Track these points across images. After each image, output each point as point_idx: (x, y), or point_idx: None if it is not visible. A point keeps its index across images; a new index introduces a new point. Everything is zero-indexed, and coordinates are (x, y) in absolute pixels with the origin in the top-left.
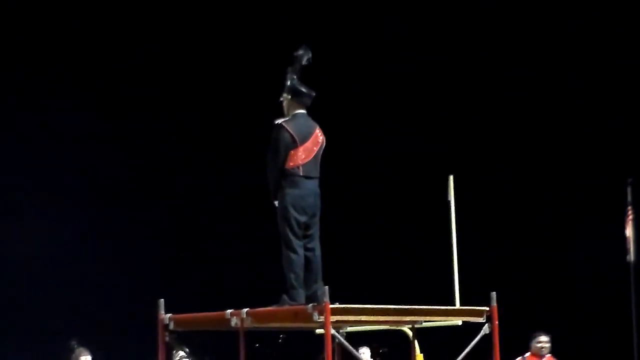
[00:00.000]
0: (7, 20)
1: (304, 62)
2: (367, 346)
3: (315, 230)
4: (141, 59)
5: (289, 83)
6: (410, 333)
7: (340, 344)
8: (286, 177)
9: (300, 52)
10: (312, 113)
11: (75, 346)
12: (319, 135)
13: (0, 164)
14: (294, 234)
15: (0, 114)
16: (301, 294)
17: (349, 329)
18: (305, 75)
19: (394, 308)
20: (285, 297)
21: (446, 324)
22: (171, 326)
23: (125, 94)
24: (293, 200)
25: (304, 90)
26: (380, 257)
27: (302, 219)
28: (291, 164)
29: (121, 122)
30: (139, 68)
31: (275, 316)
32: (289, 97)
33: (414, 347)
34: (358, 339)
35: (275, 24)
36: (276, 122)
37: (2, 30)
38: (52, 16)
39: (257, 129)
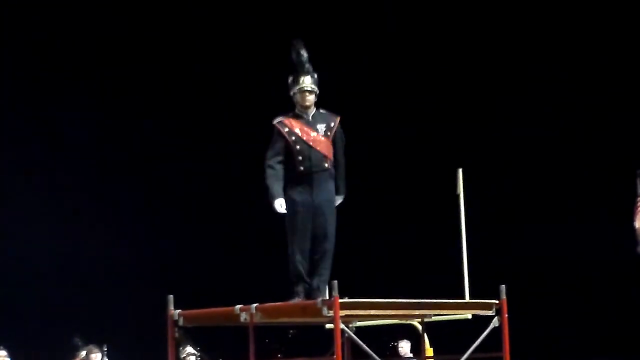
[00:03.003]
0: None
1: (295, 57)
2: (407, 340)
3: (324, 224)
4: (143, 57)
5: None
6: (419, 327)
7: (350, 339)
8: (294, 173)
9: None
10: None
11: (80, 343)
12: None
13: (0, 162)
14: (303, 229)
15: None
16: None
17: (358, 323)
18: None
19: (404, 302)
20: (299, 290)
21: (456, 318)
22: (180, 322)
23: (126, 92)
24: (297, 196)
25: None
26: (390, 251)
27: (312, 213)
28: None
29: (125, 120)
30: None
31: (284, 311)
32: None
33: (424, 341)
34: (397, 333)
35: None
36: (276, 120)
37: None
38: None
39: (262, 125)
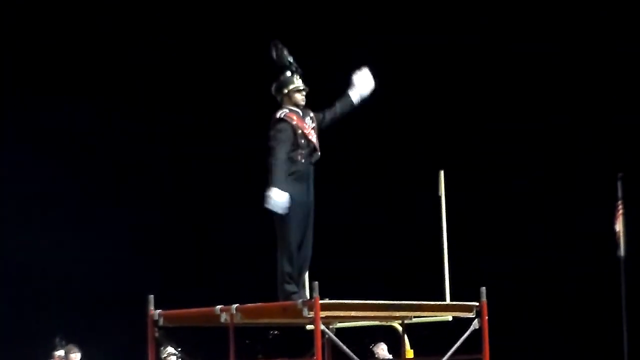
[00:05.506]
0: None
1: (283, 57)
2: (382, 342)
3: (311, 223)
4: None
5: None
6: (400, 328)
7: (330, 340)
8: (295, 166)
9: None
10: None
11: (62, 343)
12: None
13: None
14: (298, 229)
15: None
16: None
17: (339, 324)
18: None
19: (384, 303)
20: (290, 290)
21: (436, 320)
22: (161, 322)
23: (120, 91)
24: (298, 192)
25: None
26: (370, 253)
27: (308, 211)
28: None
29: (115, 120)
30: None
31: (265, 312)
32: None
33: (404, 343)
34: (375, 336)
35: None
36: (282, 113)
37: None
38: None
39: (247, 122)
